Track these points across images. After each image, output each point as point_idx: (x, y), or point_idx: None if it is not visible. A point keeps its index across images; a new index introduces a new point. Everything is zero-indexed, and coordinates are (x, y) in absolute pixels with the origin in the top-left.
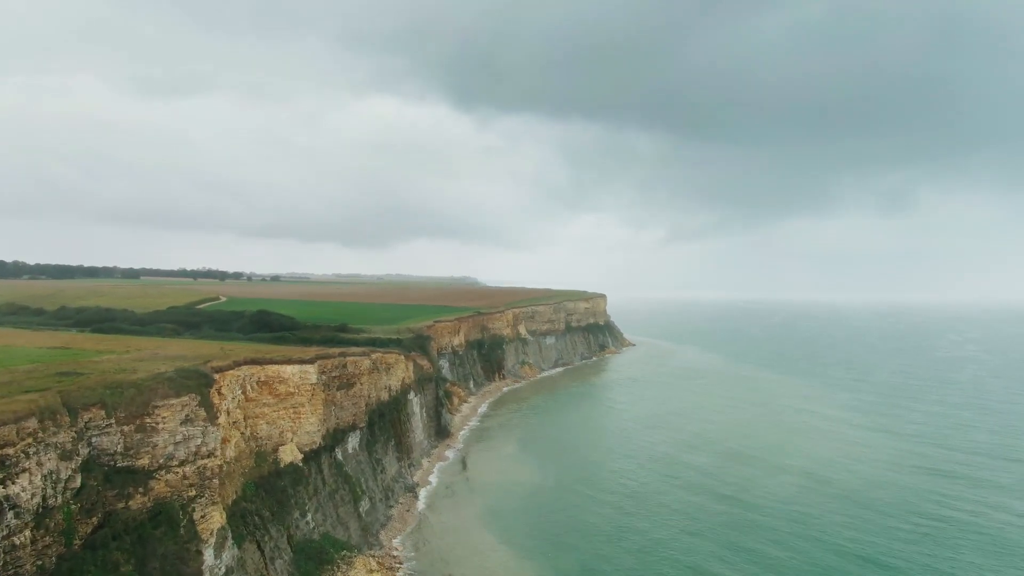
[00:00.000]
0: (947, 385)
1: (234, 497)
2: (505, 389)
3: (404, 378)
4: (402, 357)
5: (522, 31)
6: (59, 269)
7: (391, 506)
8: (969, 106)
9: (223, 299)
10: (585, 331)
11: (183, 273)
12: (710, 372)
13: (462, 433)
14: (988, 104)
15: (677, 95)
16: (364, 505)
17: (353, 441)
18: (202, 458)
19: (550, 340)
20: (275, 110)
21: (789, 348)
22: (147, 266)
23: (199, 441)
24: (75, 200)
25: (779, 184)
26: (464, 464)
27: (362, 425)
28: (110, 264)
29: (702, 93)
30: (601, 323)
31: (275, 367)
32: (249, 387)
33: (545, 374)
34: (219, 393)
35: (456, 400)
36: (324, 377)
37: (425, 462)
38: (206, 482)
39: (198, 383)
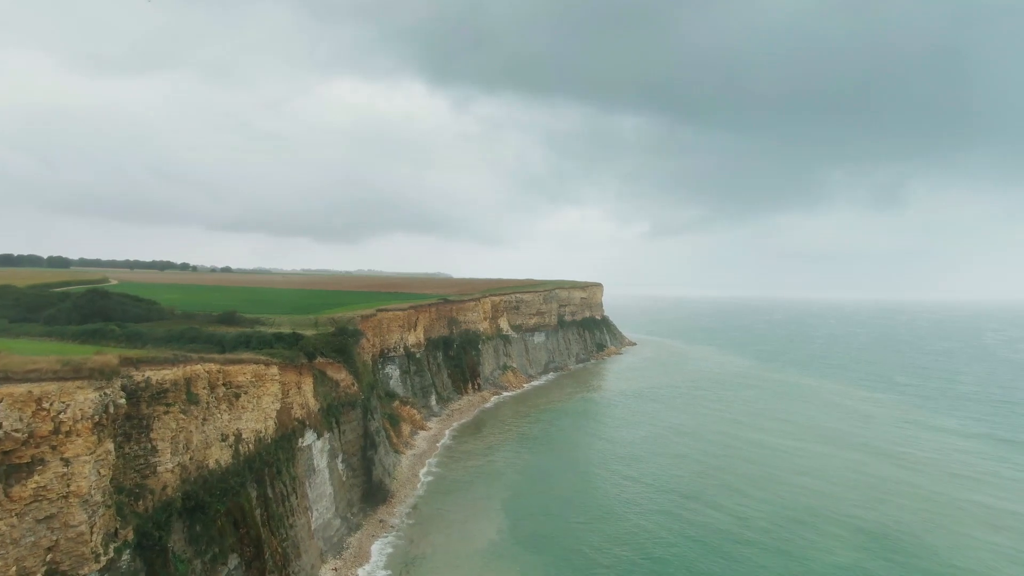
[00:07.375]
0: None
1: None
2: (485, 406)
3: (288, 410)
4: (275, 370)
5: None
6: None
7: None
8: (967, 97)
9: (114, 282)
10: (580, 327)
11: (126, 264)
12: (747, 381)
13: (414, 491)
14: (987, 97)
15: (672, 75)
16: None
17: None
18: None
19: (539, 338)
20: (239, 93)
21: (821, 349)
22: (118, 258)
23: None
24: (29, 189)
25: (769, 177)
26: None
27: (99, 560)
28: (86, 256)
29: (698, 74)
30: (598, 318)
31: None
32: None
33: (535, 383)
34: None
35: (407, 429)
36: None
37: (328, 572)
38: None
39: None
